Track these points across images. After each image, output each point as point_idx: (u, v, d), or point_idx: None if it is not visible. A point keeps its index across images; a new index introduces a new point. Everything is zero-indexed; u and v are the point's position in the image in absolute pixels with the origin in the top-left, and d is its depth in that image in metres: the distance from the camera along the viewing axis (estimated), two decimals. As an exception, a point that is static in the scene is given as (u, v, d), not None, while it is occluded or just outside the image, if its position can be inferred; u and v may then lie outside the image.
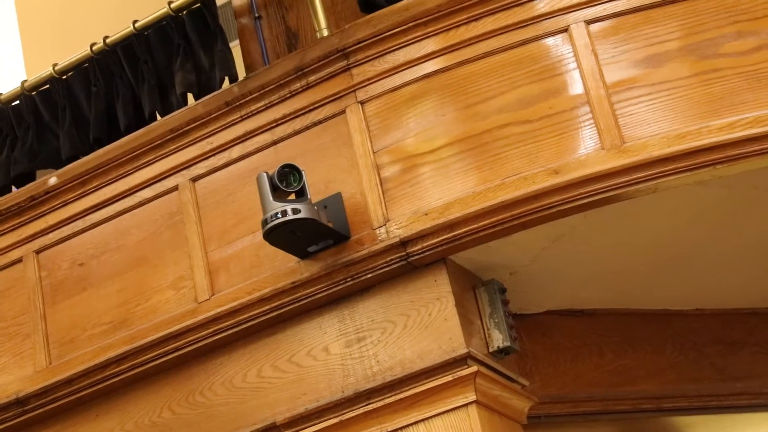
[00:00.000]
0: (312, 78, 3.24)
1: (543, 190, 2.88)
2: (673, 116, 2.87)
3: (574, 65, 2.98)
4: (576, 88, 2.96)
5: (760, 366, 3.62)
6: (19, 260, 3.59)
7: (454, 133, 3.04)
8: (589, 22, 3.00)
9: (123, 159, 3.47)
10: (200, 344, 3.22)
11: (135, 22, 3.68)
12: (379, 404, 2.96)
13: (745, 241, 3.34)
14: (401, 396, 2.94)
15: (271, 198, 2.94)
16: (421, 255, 2.97)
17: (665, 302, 3.56)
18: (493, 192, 2.93)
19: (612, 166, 2.84)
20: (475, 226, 2.93)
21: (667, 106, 2.88)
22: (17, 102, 3.86)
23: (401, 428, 2.93)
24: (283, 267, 3.13)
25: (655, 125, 2.86)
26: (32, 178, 3.79)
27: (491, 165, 2.97)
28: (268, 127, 3.29)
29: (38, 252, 3.56)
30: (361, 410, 2.98)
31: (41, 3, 7.11)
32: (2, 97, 3.85)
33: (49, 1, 7.06)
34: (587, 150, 2.89)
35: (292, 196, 2.97)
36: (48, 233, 3.56)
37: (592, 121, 2.91)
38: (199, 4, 3.60)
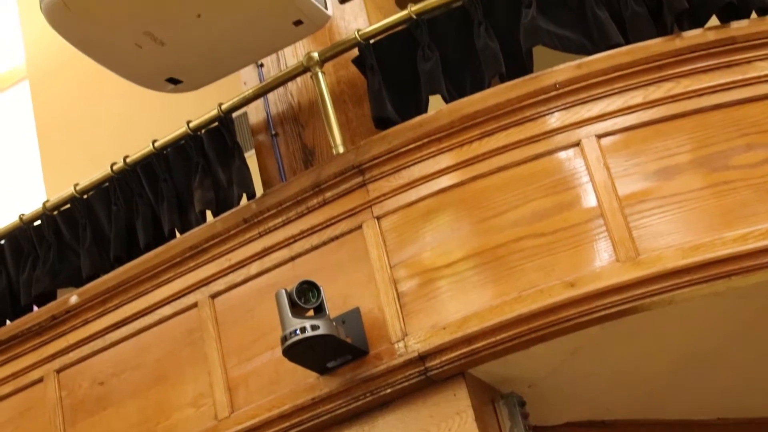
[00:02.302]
0: (329, 194, 3.29)
1: (559, 303, 2.89)
2: (686, 228, 2.90)
3: (586, 178, 3.02)
4: (589, 201, 3.00)
5: (785, 475, 3.59)
6: (40, 380, 3.60)
7: (470, 246, 3.07)
8: (600, 137, 3.06)
9: (143, 277, 3.51)
10: (220, 462, 3.22)
11: (154, 141, 3.74)
12: None
13: (764, 349, 3.33)
14: None
15: (290, 314, 2.96)
16: (440, 369, 2.98)
17: (686, 412, 3.53)
18: (510, 305, 2.95)
19: (627, 279, 2.86)
20: (493, 339, 2.94)
21: (680, 217, 2.91)
22: (39, 222, 3.91)
23: None
24: (302, 383, 3.14)
25: (668, 237, 2.89)
26: (53, 297, 3.82)
27: (507, 278, 2.99)
28: (286, 243, 3.32)
29: (59, 371, 3.58)
30: None
31: (61, 123, 7.23)
32: (24, 217, 3.90)
33: (68, 121, 7.18)
34: (602, 262, 2.91)
35: (311, 312, 3.00)
36: (68, 352, 3.58)
37: (606, 233, 2.94)
38: (216, 123, 3.67)
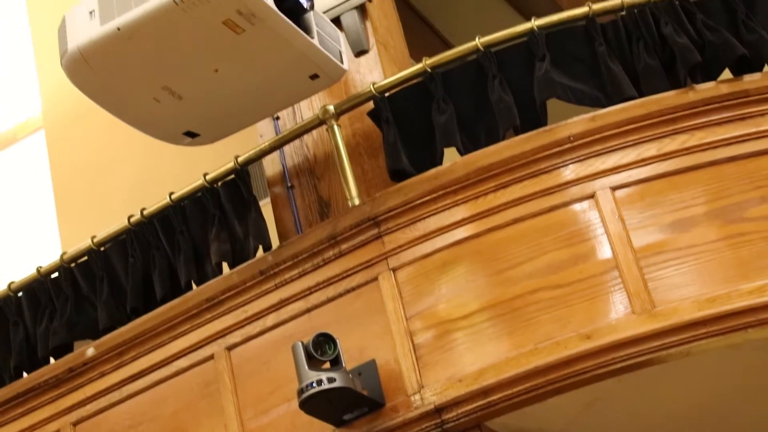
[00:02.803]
0: (344, 246, 3.31)
1: (576, 355, 2.90)
2: (701, 280, 2.91)
3: (601, 230, 3.04)
4: (604, 252, 3.02)
5: None
6: (57, 432, 3.62)
7: (486, 298, 3.08)
8: (614, 189, 3.08)
9: (159, 329, 3.53)
10: None
11: (171, 193, 3.76)
12: None
13: (781, 401, 3.33)
14: None
15: (307, 367, 2.98)
16: (456, 422, 2.98)
17: (703, 463, 3.52)
18: (526, 357, 2.95)
19: (643, 331, 2.87)
20: (510, 392, 2.94)
21: (696, 270, 2.92)
22: (56, 274, 3.93)
23: None
24: (319, 436, 3.14)
25: (684, 289, 2.90)
26: (70, 350, 3.82)
27: (523, 330, 3.00)
28: (302, 295, 3.34)
29: (75, 424, 3.58)
30: None
31: (76, 173, 7.27)
32: (42, 269, 3.92)
33: (84, 171, 7.22)
34: (618, 314, 2.92)
35: (327, 365, 3.01)
36: (85, 405, 3.59)
37: (621, 285, 2.95)
38: (233, 176, 3.69)
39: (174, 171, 6.03)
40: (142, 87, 3.28)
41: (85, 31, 3.09)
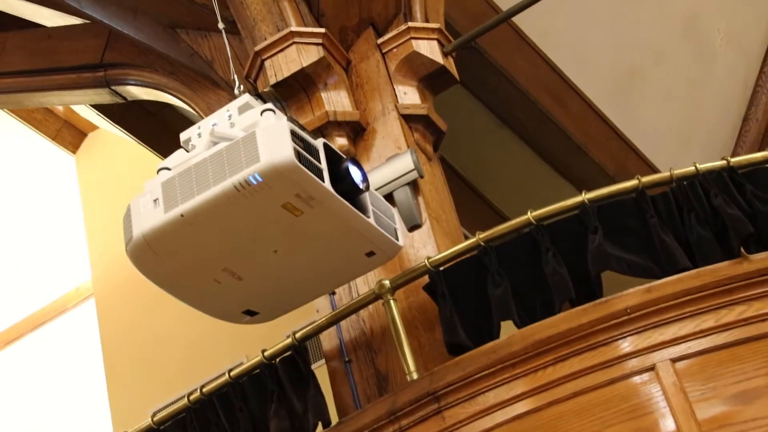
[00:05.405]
0: (404, 422, 3.31)
1: None
2: (770, 453, 2.89)
3: (664, 403, 3.03)
4: (668, 426, 3.00)
5: None
6: None
7: (550, 475, 3.07)
8: (674, 360, 3.08)
9: None
10: None
11: (230, 370, 3.79)
12: None
13: None
14: None
15: None
16: None
17: None
18: None
19: (714, 507, 2.84)
20: None
21: (763, 442, 2.91)
22: (117, 454, 3.95)
23: None
24: None
25: (752, 463, 2.88)
26: None
27: (590, 506, 2.97)
28: (364, 473, 3.34)
29: None
30: None
31: (127, 341, 7.34)
32: (103, 450, 3.94)
33: (134, 339, 7.29)
34: (687, 489, 2.89)
35: None
36: None
37: (689, 459, 2.93)
38: (290, 352, 3.73)
39: (225, 340, 6.08)
40: (204, 269, 3.35)
41: (150, 218, 3.19)
